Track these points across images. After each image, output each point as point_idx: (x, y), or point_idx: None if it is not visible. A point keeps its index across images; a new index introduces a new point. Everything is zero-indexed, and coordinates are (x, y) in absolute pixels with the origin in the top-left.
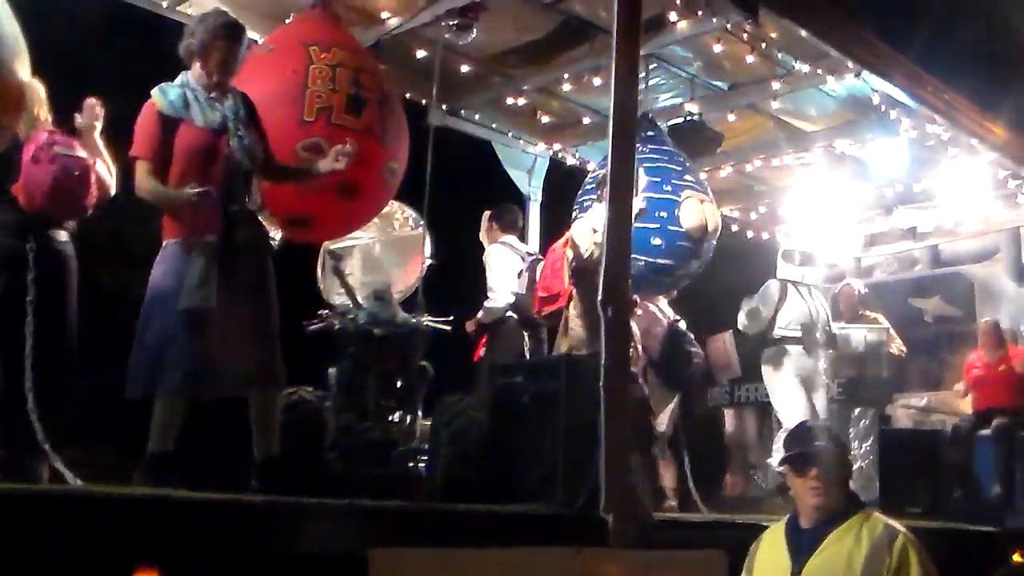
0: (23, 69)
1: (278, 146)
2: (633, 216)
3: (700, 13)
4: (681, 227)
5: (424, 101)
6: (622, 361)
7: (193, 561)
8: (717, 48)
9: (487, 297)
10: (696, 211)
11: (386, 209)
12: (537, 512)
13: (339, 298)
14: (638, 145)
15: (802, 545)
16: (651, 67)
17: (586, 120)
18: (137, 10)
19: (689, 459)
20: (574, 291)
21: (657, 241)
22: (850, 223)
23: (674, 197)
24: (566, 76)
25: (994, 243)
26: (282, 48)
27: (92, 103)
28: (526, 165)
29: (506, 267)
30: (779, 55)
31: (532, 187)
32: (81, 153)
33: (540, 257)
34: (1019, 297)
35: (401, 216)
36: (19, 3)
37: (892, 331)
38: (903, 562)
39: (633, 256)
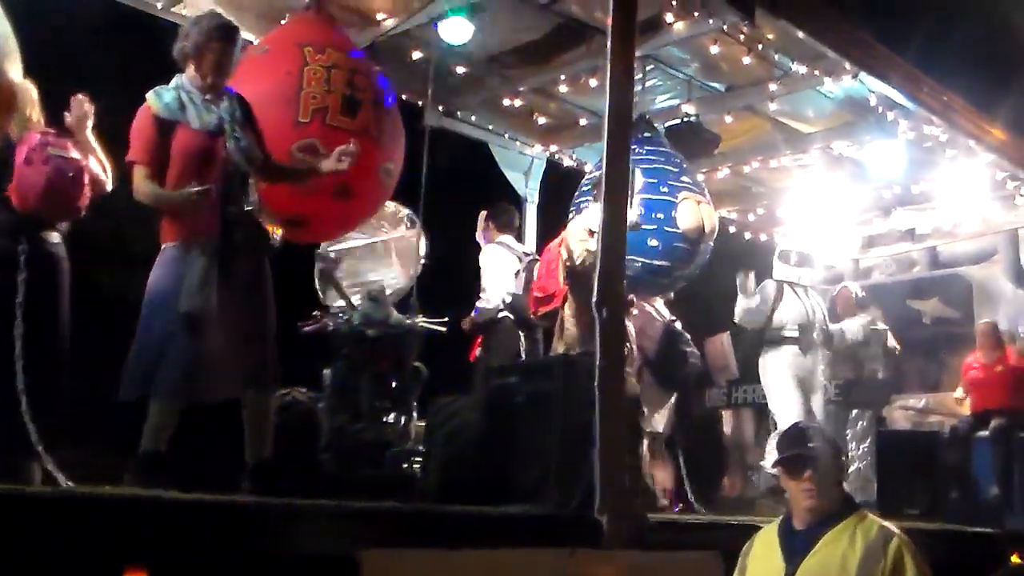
0: (15, 69)
1: (273, 147)
2: (628, 226)
3: (696, 14)
4: (678, 228)
5: (420, 102)
6: (617, 361)
7: (183, 562)
8: (714, 49)
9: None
10: (693, 212)
11: (382, 210)
12: (532, 513)
13: (337, 300)
14: (635, 146)
15: (796, 546)
16: (648, 68)
17: (583, 121)
18: (131, 11)
19: (686, 460)
20: (569, 292)
21: (654, 242)
22: (848, 225)
23: (671, 198)
24: (563, 77)
25: (992, 244)
26: (277, 49)
27: (80, 98)
28: (523, 166)
29: (501, 267)
30: (776, 56)
31: (529, 188)
32: (74, 154)
33: (537, 257)
34: (1017, 298)
35: (397, 217)
36: (11, 3)
37: (889, 332)
38: (898, 564)
39: (630, 257)
